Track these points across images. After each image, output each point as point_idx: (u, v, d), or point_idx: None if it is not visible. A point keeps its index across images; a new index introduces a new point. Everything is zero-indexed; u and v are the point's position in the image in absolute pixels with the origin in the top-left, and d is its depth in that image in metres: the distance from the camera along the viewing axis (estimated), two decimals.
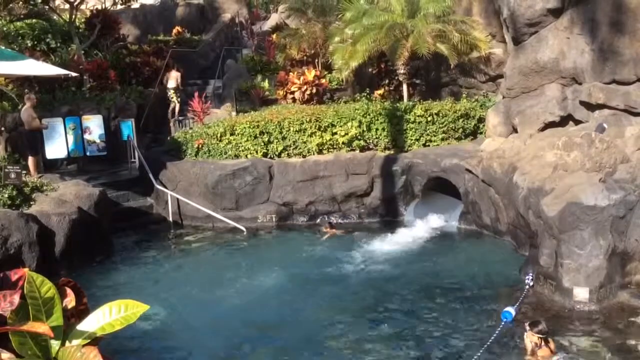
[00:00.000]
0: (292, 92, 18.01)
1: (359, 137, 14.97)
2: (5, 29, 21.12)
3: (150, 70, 20.85)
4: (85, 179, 14.21)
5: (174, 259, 12.39)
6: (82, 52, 19.97)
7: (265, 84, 19.25)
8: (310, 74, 18.01)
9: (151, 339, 8.50)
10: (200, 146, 15.15)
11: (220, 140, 15.10)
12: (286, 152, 15.00)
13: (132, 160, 16.26)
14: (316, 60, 19.53)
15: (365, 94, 17.77)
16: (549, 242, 9.46)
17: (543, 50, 13.51)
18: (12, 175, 11.22)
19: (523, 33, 13.97)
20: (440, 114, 15.46)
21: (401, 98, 17.18)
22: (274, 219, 14.21)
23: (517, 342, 7.93)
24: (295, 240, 13.29)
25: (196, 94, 17.77)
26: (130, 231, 13.94)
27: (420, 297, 9.72)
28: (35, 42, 21.31)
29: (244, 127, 15.03)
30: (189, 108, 18.12)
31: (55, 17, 22.45)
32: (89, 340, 2.22)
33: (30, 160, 13.42)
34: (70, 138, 15.97)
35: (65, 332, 2.23)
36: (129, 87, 19.62)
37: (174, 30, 25.83)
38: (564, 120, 13.70)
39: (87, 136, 16.19)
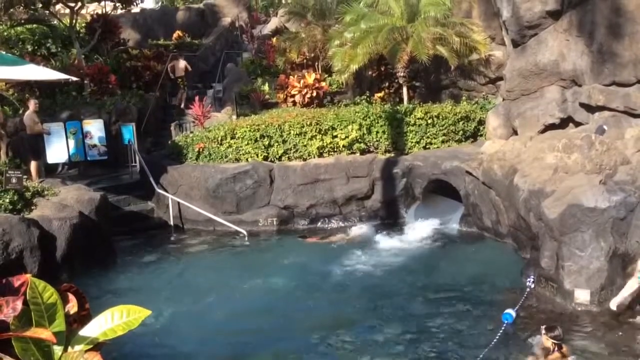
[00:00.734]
0: (293, 96, 18.03)
1: (359, 140, 14.98)
2: (5, 33, 21.17)
3: (150, 74, 20.88)
4: (86, 184, 14.22)
5: (175, 263, 12.39)
6: (83, 56, 20.01)
7: (266, 87, 19.27)
8: (311, 77, 18.03)
9: (153, 344, 8.50)
10: (201, 150, 15.17)
11: (221, 144, 15.12)
12: (287, 156, 15.01)
13: (133, 164, 16.27)
14: (316, 64, 19.55)
15: (366, 97, 17.79)
16: (550, 244, 9.47)
17: (543, 52, 13.52)
18: (14, 180, 11.22)
19: (522, 35, 13.98)
20: (441, 117, 15.48)
21: (401, 101, 17.20)
22: (274, 223, 14.21)
23: (518, 344, 7.94)
24: (295, 244, 13.29)
25: (196, 98, 17.79)
26: (131, 235, 13.94)
27: (420, 300, 9.72)
28: (36, 47, 21.35)
29: (245, 131, 15.04)
30: (189, 112, 18.15)
31: (55, 22, 22.48)
32: (91, 346, 2.23)
33: (32, 165, 13.45)
34: (71, 142, 16.00)
35: (67, 338, 2.24)
36: (130, 91, 19.65)
37: (175, 35, 25.86)
38: (564, 122, 13.70)
39: (88, 140, 16.21)
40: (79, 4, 20.20)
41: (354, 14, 16.81)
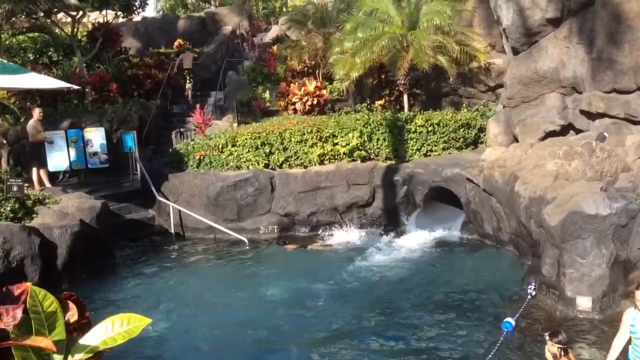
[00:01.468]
0: (293, 103, 18.07)
1: (360, 147, 15.00)
2: (7, 42, 21.25)
3: (152, 82, 20.93)
4: (87, 192, 14.23)
5: (176, 271, 12.37)
6: (84, 65, 20.09)
7: (267, 95, 19.31)
8: (311, 85, 18.07)
9: (153, 352, 8.48)
10: (201, 158, 15.18)
11: (222, 152, 15.13)
12: (287, 163, 15.02)
13: (134, 172, 16.29)
14: (317, 72, 19.60)
15: (366, 105, 17.82)
16: (551, 251, 9.45)
17: (543, 59, 13.55)
18: (15, 188, 11.24)
19: (523, 43, 14.02)
20: (441, 124, 15.50)
21: (402, 108, 17.23)
22: (275, 230, 14.21)
23: (518, 353, 7.91)
24: (297, 251, 13.28)
25: (197, 106, 17.83)
26: (132, 243, 13.94)
27: (421, 307, 9.69)
28: (38, 56, 21.43)
29: (246, 139, 15.06)
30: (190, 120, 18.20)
31: (57, 31, 22.59)
32: (91, 355, 2.23)
33: (35, 172, 13.49)
34: (72, 150, 16.03)
35: (67, 347, 2.24)
36: (131, 99, 19.70)
37: (176, 43, 25.93)
38: (565, 130, 13.72)
39: (89, 148, 16.25)
40: (81, 12, 20.30)
41: (354, 23, 16.86)
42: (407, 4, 16.64)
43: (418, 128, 15.35)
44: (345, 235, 13.85)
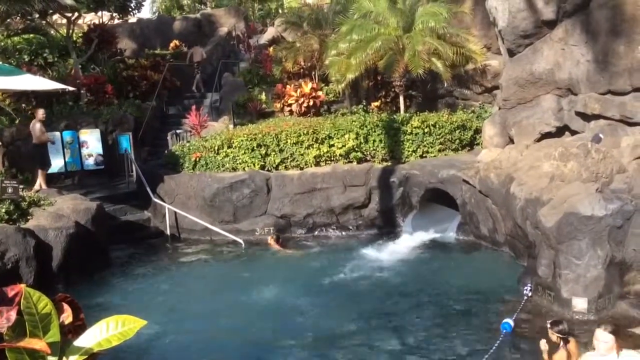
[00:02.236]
0: (289, 105, 18.07)
1: (356, 149, 15.00)
2: (2, 43, 21.19)
3: (147, 84, 20.91)
4: (82, 193, 14.21)
5: (171, 273, 12.34)
6: (80, 66, 20.04)
7: (263, 96, 19.30)
8: (307, 86, 18.07)
9: (148, 354, 8.45)
10: (197, 159, 15.16)
11: (218, 153, 15.11)
12: (283, 165, 15.01)
13: (130, 173, 16.25)
14: (313, 73, 19.61)
15: (362, 106, 17.83)
16: (547, 252, 9.47)
17: (538, 61, 13.58)
18: (10, 190, 11.20)
19: (518, 45, 14.05)
20: (437, 126, 15.52)
21: (398, 110, 17.24)
22: (272, 232, 14.18)
23: (516, 353, 7.92)
24: (294, 253, 13.26)
25: (193, 108, 17.81)
26: (127, 245, 13.89)
27: (417, 309, 9.70)
28: (33, 57, 21.37)
29: (242, 140, 15.05)
30: (186, 121, 18.18)
31: (52, 32, 22.54)
32: (85, 357, 2.22)
33: (40, 174, 13.60)
34: (68, 152, 15.98)
35: (62, 349, 2.22)
36: (126, 101, 19.68)
37: (171, 44, 25.92)
38: (560, 131, 13.75)
39: (84, 150, 16.21)
40: (76, 14, 20.26)
41: (350, 25, 16.86)
42: (402, 6, 16.65)
43: (414, 129, 15.36)
44: (340, 237, 13.85)
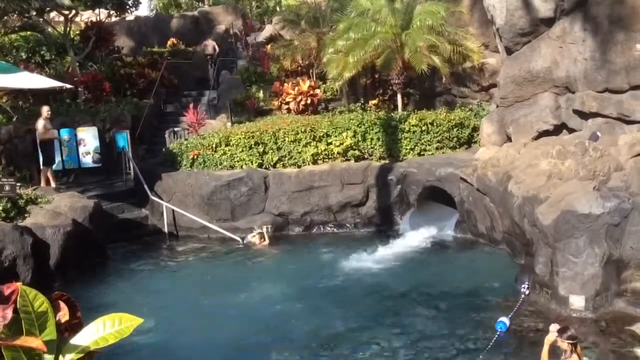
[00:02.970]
0: (287, 103, 18.05)
1: (353, 147, 14.99)
2: None
3: (145, 81, 20.85)
4: (80, 191, 14.17)
5: (169, 271, 12.34)
6: (77, 64, 19.98)
7: (260, 94, 19.27)
8: (305, 84, 18.06)
9: (145, 352, 8.44)
10: (195, 157, 15.13)
11: (216, 151, 15.09)
12: (281, 163, 15.00)
13: (127, 171, 16.22)
14: (310, 71, 19.59)
15: (360, 104, 17.82)
16: (545, 250, 9.48)
17: (536, 59, 13.59)
18: (7, 188, 11.17)
19: (516, 43, 14.06)
20: (435, 124, 15.51)
21: (395, 108, 17.24)
22: (269, 230, 14.18)
23: (512, 352, 7.93)
24: (291, 251, 13.27)
25: (191, 105, 17.77)
26: (125, 243, 13.88)
27: (414, 307, 9.71)
28: (30, 55, 21.31)
29: (239, 138, 15.03)
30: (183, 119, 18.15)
31: (49, 30, 22.47)
32: (82, 355, 2.21)
33: (45, 170, 13.90)
34: (65, 150, 15.94)
35: (58, 347, 2.22)
36: (124, 98, 19.62)
37: (169, 42, 25.84)
38: (558, 129, 13.76)
39: (81, 148, 16.16)
40: (73, 11, 20.19)
41: (347, 23, 16.85)
42: (400, 5, 16.64)
43: (412, 127, 15.36)
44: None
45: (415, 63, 15.36)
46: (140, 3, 23.00)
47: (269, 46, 21.86)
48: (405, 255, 12.31)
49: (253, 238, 13.55)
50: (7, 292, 2.23)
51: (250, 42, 25.90)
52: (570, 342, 7.08)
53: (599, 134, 11.86)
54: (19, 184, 12.01)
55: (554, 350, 7.34)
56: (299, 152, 14.97)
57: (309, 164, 14.91)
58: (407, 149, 15.31)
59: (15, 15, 20.48)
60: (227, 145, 15.11)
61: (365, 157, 15.18)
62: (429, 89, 18.16)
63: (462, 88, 17.43)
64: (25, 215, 11.38)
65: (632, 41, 11.59)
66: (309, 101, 17.83)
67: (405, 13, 16.42)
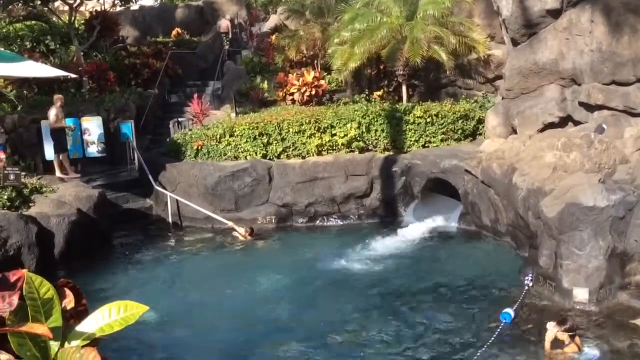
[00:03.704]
0: (292, 94, 18.01)
1: (358, 138, 14.96)
2: (4, 30, 21.13)
3: (149, 71, 20.86)
4: (84, 181, 14.23)
5: (173, 261, 12.38)
6: (82, 53, 19.97)
7: (265, 85, 19.24)
8: (310, 75, 18.01)
9: (150, 340, 8.49)
10: (199, 147, 15.14)
11: (220, 142, 15.09)
12: (285, 154, 14.99)
13: (132, 161, 16.25)
14: (315, 62, 19.53)
15: (365, 95, 17.77)
16: (549, 242, 9.46)
17: (542, 51, 13.52)
18: (12, 177, 11.20)
19: (522, 34, 13.99)
20: (440, 115, 15.46)
21: (400, 99, 17.18)
22: (273, 221, 14.20)
23: (516, 343, 7.94)
24: (294, 242, 13.29)
25: (195, 96, 17.77)
26: (129, 232, 13.93)
27: (418, 298, 9.72)
28: (35, 44, 21.32)
29: (243, 129, 15.02)
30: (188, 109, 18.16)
31: (54, 19, 22.45)
32: (88, 342, 2.22)
33: (58, 158, 14.08)
34: (70, 139, 15.95)
35: (64, 333, 2.23)
36: (128, 88, 19.63)
37: (173, 32, 25.82)
38: (564, 121, 13.71)
39: (86, 137, 16.18)
40: (78, 1, 20.17)
41: (352, 13, 16.78)
42: None
43: (416, 119, 15.32)
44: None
45: (412, 55, 15.27)
46: None
47: (273, 36, 21.80)
48: (409, 247, 12.31)
49: (240, 229, 13.49)
50: (13, 279, 2.24)
51: (255, 32, 25.84)
52: (569, 333, 7.16)
53: (604, 126, 11.81)
54: (23, 173, 12.05)
55: (555, 341, 7.41)
56: (303, 143, 14.95)
57: (313, 155, 14.90)
58: (411, 140, 15.28)
59: (20, 4, 20.46)
60: (231, 135, 15.11)
61: (370, 148, 15.15)
62: (434, 80, 18.09)
63: (468, 80, 17.35)
64: (30, 204, 11.42)
65: (639, 33, 11.52)
66: (313, 92, 17.78)
67: (411, 4, 16.34)
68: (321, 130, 15.05)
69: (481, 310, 9.11)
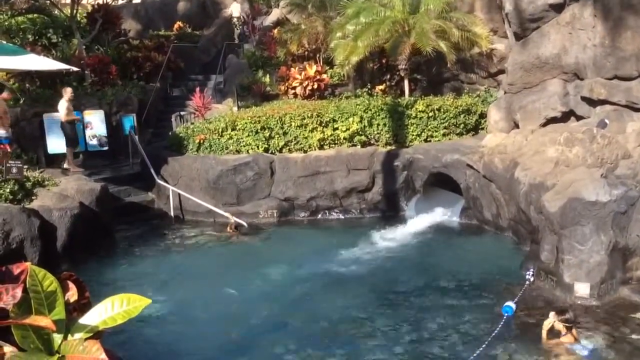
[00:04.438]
0: (294, 88, 17.99)
1: (360, 132, 14.96)
2: (6, 23, 21.09)
3: (151, 65, 20.82)
4: (86, 174, 14.23)
5: (175, 254, 12.41)
6: (84, 47, 19.94)
7: (267, 79, 19.22)
8: (312, 69, 17.98)
9: (152, 333, 8.52)
10: (201, 141, 15.15)
11: (222, 136, 15.09)
12: (287, 148, 14.99)
13: (134, 155, 16.25)
14: (317, 56, 19.49)
15: (367, 89, 17.75)
16: (550, 237, 9.47)
17: (545, 45, 13.48)
18: (14, 170, 11.21)
19: (525, 28, 13.95)
20: (442, 110, 15.45)
21: (402, 93, 17.16)
22: (275, 215, 14.21)
23: (518, 336, 7.96)
24: (296, 236, 13.30)
25: (197, 89, 17.75)
26: (131, 226, 13.94)
27: (420, 293, 9.73)
28: (37, 37, 21.27)
29: (246, 123, 15.02)
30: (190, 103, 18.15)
31: (56, 12, 22.39)
32: (91, 334, 2.23)
33: (71, 151, 14.54)
34: None
35: (67, 326, 2.24)
36: (131, 82, 19.61)
37: (175, 26, 25.75)
38: (566, 116, 13.69)
39: (88, 131, 16.18)
40: None
41: (355, 7, 16.73)
42: None
43: (419, 113, 15.30)
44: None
45: (422, 45, 15.22)
46: None
47: (276, 30, 21.74)
48: (410, 241, 12.33)
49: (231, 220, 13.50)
50: (16, 271, 2.25)
51: (257, 26, 25.77)
52: (567, 324, 7.21)
53: (607, 121, 11.78)
54: (26, 167, 12.06)
55: (552, 330, 7.47)
56: (305, 137, 14.95)
57: (315, 149, 14.90)
58: (413, 135, 15.27)
59: None
60: (233, 129, 15.11)
61: (372, 142, 15.15)
62: (436, 74, 18.05)
63: (470, 74, 17.31)
64: (33, 197, 11.44)
65: None
66: (315, 86, 17.76)
67: None
68: (323, 124, 15.05)
69: (483, 304, 9.13)
